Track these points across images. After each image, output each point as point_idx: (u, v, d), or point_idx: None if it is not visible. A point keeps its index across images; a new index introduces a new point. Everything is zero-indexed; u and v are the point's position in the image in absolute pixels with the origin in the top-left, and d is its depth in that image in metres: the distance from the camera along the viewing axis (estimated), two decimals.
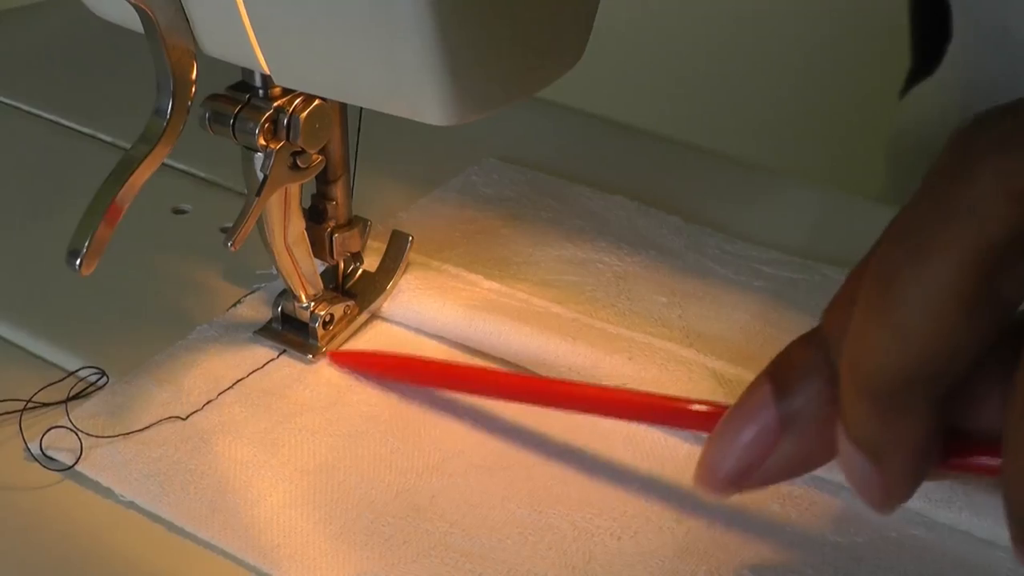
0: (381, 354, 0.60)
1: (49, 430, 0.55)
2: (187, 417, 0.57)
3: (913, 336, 0.38)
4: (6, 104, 0.83)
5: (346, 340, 0.62)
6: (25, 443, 0.55)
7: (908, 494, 0.42)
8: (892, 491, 0.42)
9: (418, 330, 0.63)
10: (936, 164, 0.39)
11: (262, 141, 0.54)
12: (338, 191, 0.60)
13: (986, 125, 0.38)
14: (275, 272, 0.61)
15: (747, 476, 0.44)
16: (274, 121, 0.55)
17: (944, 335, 0.38)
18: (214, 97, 0.55)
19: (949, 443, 0.41)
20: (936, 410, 0.39)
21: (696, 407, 0.51)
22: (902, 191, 0.90)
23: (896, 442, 0.40)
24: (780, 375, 0.43)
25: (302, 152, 0.56)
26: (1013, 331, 0.39)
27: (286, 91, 0.55)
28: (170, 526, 0.52)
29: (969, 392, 0.41)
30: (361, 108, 0.59)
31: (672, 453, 0.56)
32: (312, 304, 0.60)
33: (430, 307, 0.62)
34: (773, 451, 0.43)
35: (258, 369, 0.60)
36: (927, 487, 0.52)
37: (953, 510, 0.52)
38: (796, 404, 0.43)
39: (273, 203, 0.57)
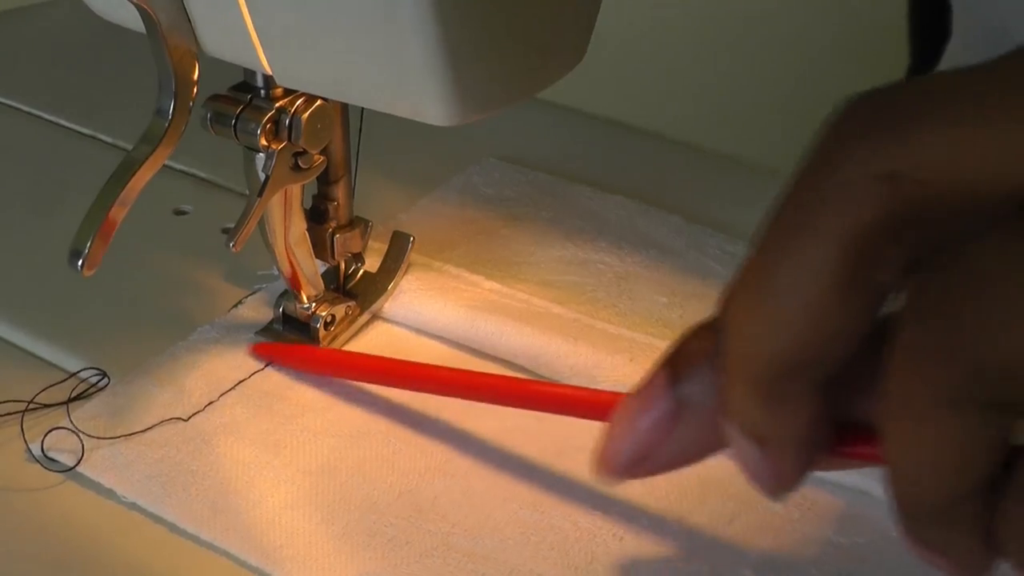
0: (300, 349, 0.61)
1: (50, 431, 0.55)
2: (188, 418, 0.57)
3: (787, 323, 0.38)
4: (7, 105, 0.83)
5: (347, 341, 0.62)
6: (26, 444, 0.55)
7: (797, 481, 0.42)
8: (779, 478, 0.42)
9: (419, 330, 0.63)
10: (809, 149, 0.38)
11: (264, 142, 0.54)
12: (339, 192, 0.60)
13: (855, 107, 0.37)
14: (276, 273, 0.61)
15: (643, 462, 0.44)
16: (276, 122, 0.55)
17: (818, 322, 0.37)
18: (216, 98, 0.55)
19: (838, 432, 0.41)
20: (816, 397, 0.39)
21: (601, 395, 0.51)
22: None
23: (778, 429, 0.40)
24: (676, 362, 0.43)
25: (304, 153, 0.56)
26: (888, 318, 0.39)
27: (288, 91, 0.55)
28: (172, 527, 0.52)
29: (852, 380, 0.40)
30: (362, 109, 0.59)
31: None
32: (313, 305, 0.60)
33: (431, 308, 0.62)
34: (669, 437, 0.43)
35: (259, 370, 0.60)
36: None
37: None
38: (690, 391, 0.42)
39: (274, 204, 0.57)
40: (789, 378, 0.39)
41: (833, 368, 0.39)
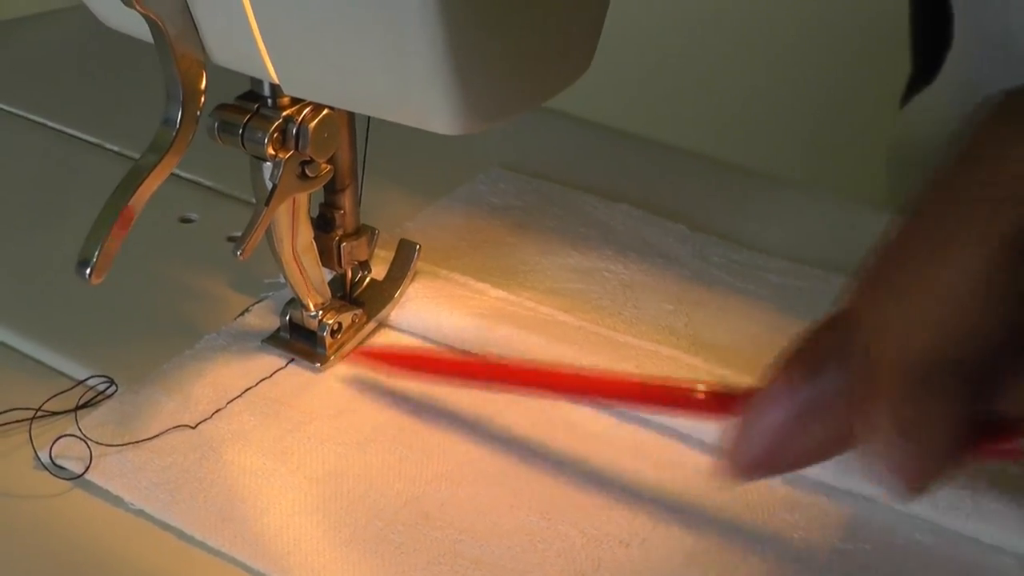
0: (399, 354, 0.60)
1: (58, 439, 0.55)
2: (196, 426, 0.57)
3: (951, 317, 0.38)
4: (14, 114, 0.83)
5: (353, 349, 0.62)
6: (35, 451, 0.55)
7: (938, 477, 0.42)
8: (921, 475, 0.42)
9: (425, 338, 0.63)
10: (963, 145, 0.38)
11: (271, 151, 0.55)
12: (346, 200, 0.60)
13: (1014, 106, 0.38)
14: (282, 281, 0.61)
15: (771, 461, 0.44)
16: (283, 131, 0.55)
17: (975, 320, 0.38)
18: (223, 107, 0.55)
19: (978, 428, 0.41)
20: (967, 394, 0.40)
21: (709, 392, 0.50)
22: (903, 200, 0.90)
23: (926, 426, 0.40)
24: (807, 359, 0.43)
25: (311, 161, 0.56)
26: None
27: (295, 100, 0.55)
28: (180, 534, 0.52)
29: (999, 377, 0.41)
30: (368, 118, 0.59)
31: (680, 461, 0.56)
32: (320, 313, 0.61)
33: (438, 315, 0.62)
34: (798, 436, 0.43)
35: (266, 378, 0.60)
36: (935, 496, 0.52)
37: (960, 517, 0.52)
38: (823, 388, 0.43)
39: (281, 212, 0.57)
40: (941, 375, 0.39)
41: (985, 367, 0.39)
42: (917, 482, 0.42)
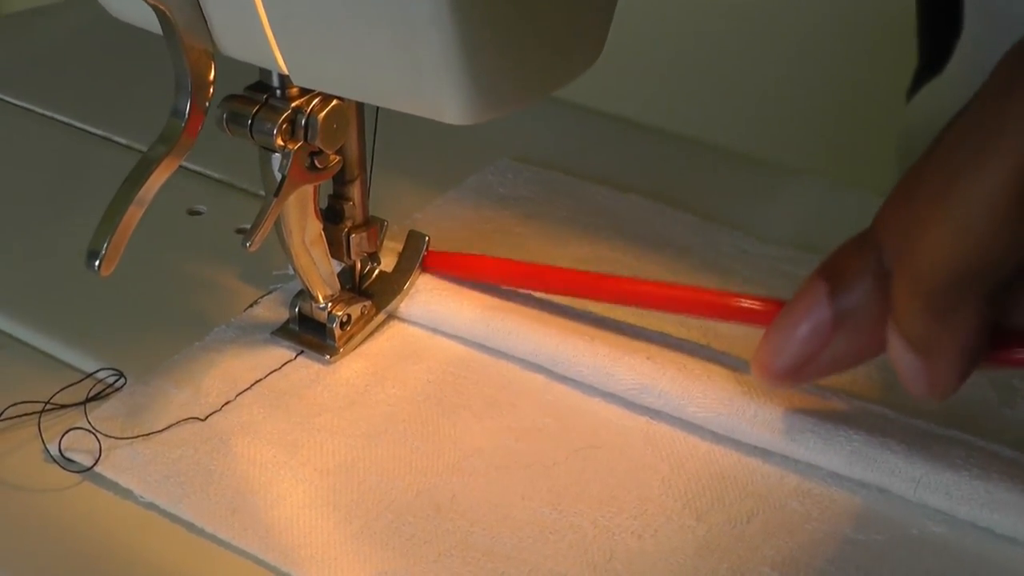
0: (470, 257, 0.64)
1: (68, 431, 0.55)
2: (206, 418, 0.57)
3: (972, 230, 0.41)
4: (23, 107, 0.83)
5: (363, 341, 0.62)
6: (44, 444, 0.55)
7: (956, 387, 0.45)
8: (940, 385, 0.45)
9: (435, 330, 0.63)
10: (994, 73, 0.41)
11: (280, 142, 0.54)
12: (355, 191, 0.60)
13: None
14: (291, 272, 0.61)
15: (802, 369, 0.48)
16: (292, 121, 0.55)
17: (1000, 232, 0.41)
18: (231, 98, 0.55)
19: (997, 337, 0.45)
20: (986, 307, 0.43)
21: (749, 303, 0.55)
22: None
23: (947, 337, 0.43)
24: (835, 274, 0.46)
25: (320, 152, 0.56)
26: None
27: (303, 91, 0.55)
28: (190, 527, 0.52)
29: (1013, 292, 0.44)
30: (377, 108, 0.59)
31: (692, 451, 0.56)
32: (329, 304, 0.60)
33: (447, 307, 0.62)
34: (827, 345, 0.47)
35: (276, 370, 0.60)
36: (948, 486, 0.52)
37: (974, 507, 0.52)
38: (850, 302, 0.46)
39: (291, 204, 0.57)
40: (964, 288, 0.42)
41: (1004, 279, 0.42)
42: (940, 389, 0.45)
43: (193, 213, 0.72)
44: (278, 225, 0.57)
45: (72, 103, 0.83)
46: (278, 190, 0.55)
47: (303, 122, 0.55)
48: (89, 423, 0.56)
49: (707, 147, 0.79)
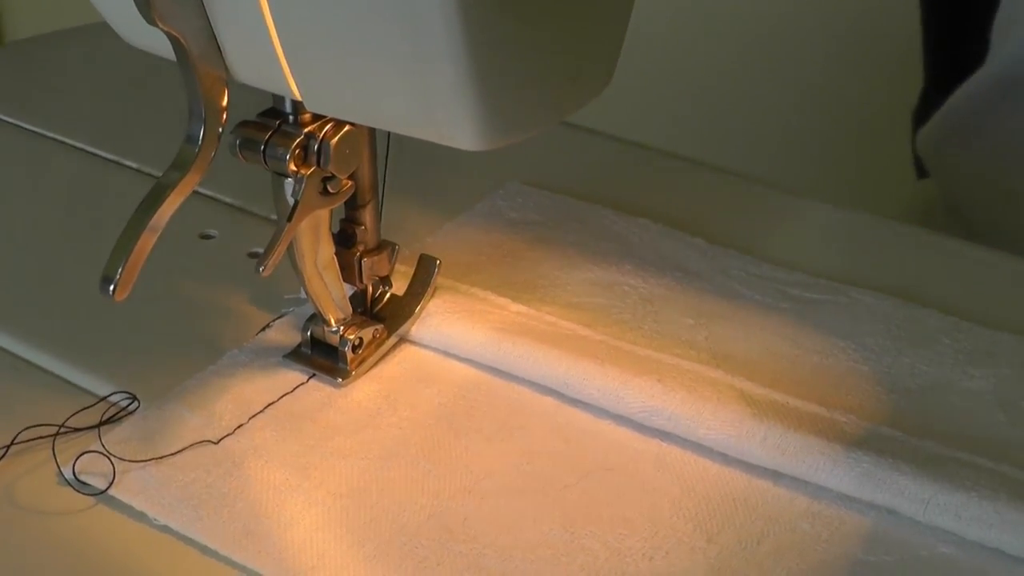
0: None
1: (82, 455, 0.56)
2: (219, 441, 0.57)
3: None
4: (37, 133, 0.83)
5: (374, 364, 0.62)
6: (58, 467, 0.56)
7: None
8: None
9: (446, 353, 0.63)
10: None
11: (293, 167, 0.55)
12: (367, 216, 0.61)
13: None
14: (303, 296, 0.61)
15: None
16: (305, 147, 0.55)
17: None
18: (244, 124, 0.55)
19: None
20: None
21: None
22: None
23: None
24: None
25: (332, 177, 0.56)
26: None
27: (316, 117, 0.55)
28: (203, 549, 0.52)
29: None
30: (389, 134, 0.59)
31: (702, 473, 0.56)
32: (341, 328, 0.61)
33: (459, 330, 0.62)
34: None
35: (288, 393, 0.60)
36: (957, 507, 0.52)
37: (983, 528, 0.52)
38: None
39: (303, 228, 0.57)
40: None
41: None
42: None
43: (205, 237, 0.72)
44: (290, 249, 0.57)
45: (86, 129, 0.83)
46: (291, 215, 0.56)
47: (316, 148, 0.55)
48: (103, 446, 0.56)
49: (716, 171, 0.79)
